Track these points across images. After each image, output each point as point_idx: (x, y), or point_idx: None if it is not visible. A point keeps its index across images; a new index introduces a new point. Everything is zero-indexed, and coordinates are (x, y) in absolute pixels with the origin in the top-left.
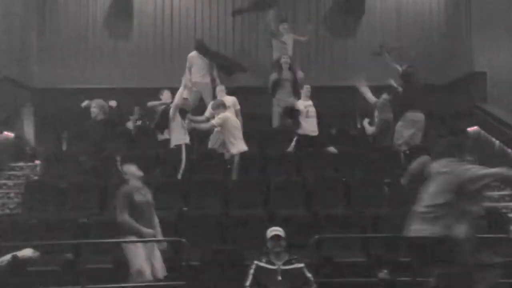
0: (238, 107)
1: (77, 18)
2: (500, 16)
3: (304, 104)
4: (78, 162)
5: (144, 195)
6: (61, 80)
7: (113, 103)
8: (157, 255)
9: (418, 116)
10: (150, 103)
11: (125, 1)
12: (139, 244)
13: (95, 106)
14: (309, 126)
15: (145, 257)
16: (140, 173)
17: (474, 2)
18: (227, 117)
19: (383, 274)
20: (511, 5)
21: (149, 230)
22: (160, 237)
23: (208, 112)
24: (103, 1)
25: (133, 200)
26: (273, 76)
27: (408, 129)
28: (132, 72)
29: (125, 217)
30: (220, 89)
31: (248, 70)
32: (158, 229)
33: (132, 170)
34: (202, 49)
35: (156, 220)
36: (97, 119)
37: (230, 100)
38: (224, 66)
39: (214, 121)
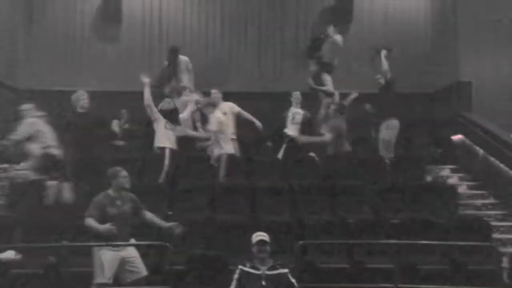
0: (237, 109)
1: (65, 20)
2: (486, 26)
3: (292, 112)
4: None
5: (120, 207)
6: (47, 82)
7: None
8: (131, 258)
9: (393, 123)
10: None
11: (114, 4)
12: (106, 252)
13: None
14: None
15: (111, 266)
16: (123, 185)
17: (461, 12)
18: (220, 119)
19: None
20: (497, 16)
21: (105, 226)
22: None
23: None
24: (91, 4)
25: (105, 212)
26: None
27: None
28: (120, 75)
29: (87, 221)
30: (214, 92)
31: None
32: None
33: (118, 176)
34: (170, 56)
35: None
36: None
37: (227, 106)
38: None
39: (213, 127)
